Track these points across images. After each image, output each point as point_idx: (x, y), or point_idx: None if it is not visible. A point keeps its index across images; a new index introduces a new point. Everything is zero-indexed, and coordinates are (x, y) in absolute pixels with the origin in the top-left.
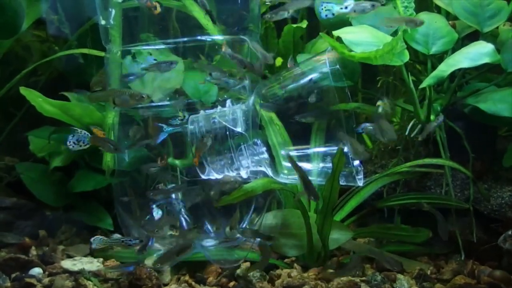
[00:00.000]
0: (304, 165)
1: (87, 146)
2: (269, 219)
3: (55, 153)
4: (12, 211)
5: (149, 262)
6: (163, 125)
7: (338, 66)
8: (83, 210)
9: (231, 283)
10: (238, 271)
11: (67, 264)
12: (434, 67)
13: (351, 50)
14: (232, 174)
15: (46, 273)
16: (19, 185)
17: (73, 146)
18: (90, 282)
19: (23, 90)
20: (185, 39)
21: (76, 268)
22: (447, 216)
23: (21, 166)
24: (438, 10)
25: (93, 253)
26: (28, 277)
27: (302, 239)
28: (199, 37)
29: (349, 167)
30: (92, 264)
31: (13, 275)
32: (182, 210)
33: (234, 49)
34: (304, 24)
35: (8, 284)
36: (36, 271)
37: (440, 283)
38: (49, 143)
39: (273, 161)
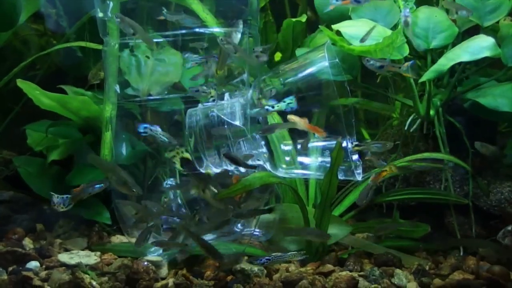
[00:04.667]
0: (303, 159)
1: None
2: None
3: (53, 147)
4: (9, 204)
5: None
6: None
7: (337, 60)
8: (80, 204)
9: (229, 277)
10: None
11: (64, 257)
12: (434, 62)
13: (350, 44)
14: (230, 168)
15: (43, 266)
16: (16, 179)
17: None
18: (87, 276)
19: (20, 83)
20: (183, 31)
21: (73, 262)
22: (446, 211)
23: (18, 160)
24: (438, 4)
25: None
26: (25, 270)
27: None
28: (197, 30)
29: (348, 161)
30: (89, 258)
31: (10, 269)
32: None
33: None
34: (303, 18)
35: (5, 277)
36: (33, 264)
37: (438, 278)
38: (47, 136)
39: (271, 155)
